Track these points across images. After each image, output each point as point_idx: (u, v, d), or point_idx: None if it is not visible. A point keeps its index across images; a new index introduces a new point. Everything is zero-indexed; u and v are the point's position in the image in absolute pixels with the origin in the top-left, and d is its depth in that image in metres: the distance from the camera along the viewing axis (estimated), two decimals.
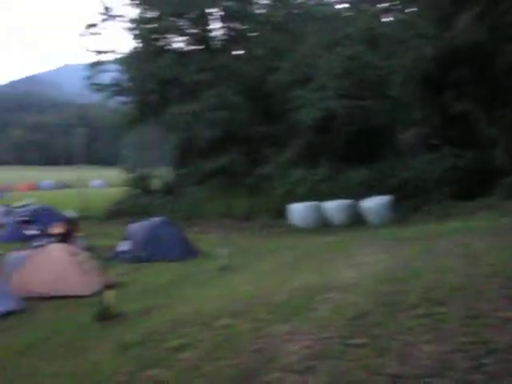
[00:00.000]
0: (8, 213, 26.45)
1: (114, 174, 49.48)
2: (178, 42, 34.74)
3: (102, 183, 67.64)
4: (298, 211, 22.33)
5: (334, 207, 21.88)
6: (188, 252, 17.24)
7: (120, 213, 29.30)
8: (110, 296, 9.81)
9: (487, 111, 22.36)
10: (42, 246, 15.89)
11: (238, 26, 34.05)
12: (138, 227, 18.16)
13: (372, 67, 24.73)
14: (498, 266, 8.14)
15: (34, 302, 12.06)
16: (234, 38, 34.31)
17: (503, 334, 5.20)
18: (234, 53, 34.65)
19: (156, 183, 34.37)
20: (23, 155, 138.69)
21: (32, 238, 19.48)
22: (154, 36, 33.67)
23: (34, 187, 69.13)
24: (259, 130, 28.65)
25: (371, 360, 4.80)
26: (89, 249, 16.69)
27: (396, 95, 24.23)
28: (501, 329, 5.35)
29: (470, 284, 7.20)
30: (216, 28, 34.26)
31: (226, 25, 34.15)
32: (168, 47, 33.85)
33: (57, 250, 13.72)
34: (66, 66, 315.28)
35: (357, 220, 21.22)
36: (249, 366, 4.95)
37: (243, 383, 4.62)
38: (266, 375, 4.70)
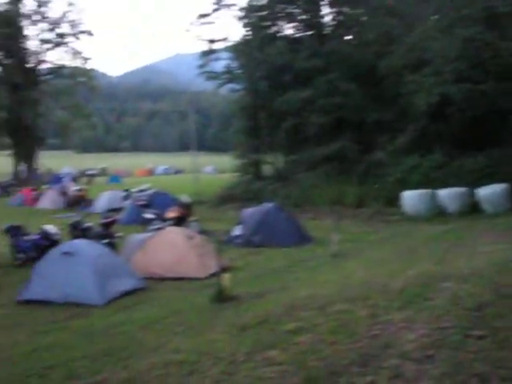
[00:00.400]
0: (127, 197, 27.88)
1: (224, 161, 50.59)
2: (289, 29, 34.81)
3: (213, 169, 69.36)
4: (412, 199, 21.84)
5: (448, 195, 21.22)
6: (300, 238, 17.41)
7: (231, 198, 29.99)
8: (226, 279, 10.13)
9: None
10: (160, 229, 16.65)
11: (347, 10, 33.54)
12: (250, 212, 18.52)
13: (492, 48, 23.47)
14: None
15: (153, 281, 12.72)
16: (343, 23, 33.85)
17: None
18: (344, 38, 34.17)
19: (267, 169, 34.76)
20: (139, 142, 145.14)
21: (149, 221, 20.37)
22: (263, 23, 33.94)
23: (150, 173, 72.12)
24: (371, 116, 28.19)
25: (492, 353, 4.64)
26: (202, 233, 17.23)
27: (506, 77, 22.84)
28: None
29: None
30: (326, 13, 33.96)
31: (335, 10, 33.75)
32: (278, 34, 33.95)
33: (174, 233, 14.34)
34: (178, 55, 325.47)
35: (472, 208, 20.48)
36: (366, 351, 4.93)
37: (361, 368, 4.60)
38: (383, 361, 4.67)
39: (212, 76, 36.65)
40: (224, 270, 10.58)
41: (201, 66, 36.68)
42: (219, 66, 37.76)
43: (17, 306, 11.43)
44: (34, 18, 53.80)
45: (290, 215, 18.67)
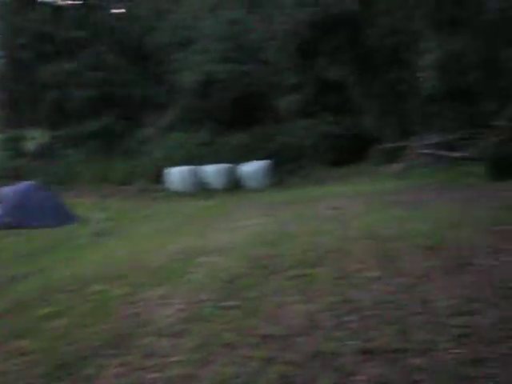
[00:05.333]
0: None
1: None
2: None
3: None
4: (177, 175, 21.89)
5: (213, 171, 21.62)
6: (63, 217, 15.93)
7: None
8: None
9: (359, 79, 23.17)
10: None
11: None
12: (8, 191, 16.80)
13: (252, 31, 24.72)
14: (365, 228, 8.53)
15: None
16: None
17: (366, 292, 5.39)
18: (114, 11, 32.36)
19: (29, 145, 30.82)
20: None
21: None
22: None
23: None
24: (139, 92, 27.89)
25: (243, 321, 4.89)
26: None
27: (272, 60, 24.44)
28: (364, 288, 5.54)
29: (341, 246, 7.40)
30: None
31: None
32: (41, 0, 31.34)
33: None
34: None
35: (236, 184, 21.07)
36: (121, 331, 4.96)
37: (113, 349, 4.61)
38: (138, 340, 4.72)
39: None
40: None
41: None
42: None
43: None
44: None
45: (51, 194, 17.16)
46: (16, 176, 23.83)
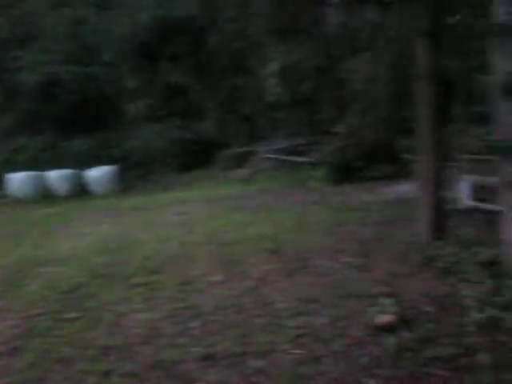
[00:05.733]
0: None
1: None
2: None
3: None
4: (17, 181, 20.63)
5: (57, 177, 20.64)
6: None
7: None
8: None
9: (201, 85, 23.73)
10: None
11: None
12: None
13: (99, 32, 24.12)
14: (209, 233, 8.72)
15: None
16: None
17: (209, 297, 5.47)
18: None
19: None
20: None
21: None
22: None
23: None
24: None
25: (82, 334, 4.73)
26: None
27: (112, 63, 24.20)
28: (208, 292, 5.62)
29: (185, 252, 7.49)
30: None
31: None
32: None
33: None
34: None
35: (81, 190, 20.40)
36: None
37: None
38: None
39: None
40: None
41: None
42: None
43: None
44: None
45: None
46: None
